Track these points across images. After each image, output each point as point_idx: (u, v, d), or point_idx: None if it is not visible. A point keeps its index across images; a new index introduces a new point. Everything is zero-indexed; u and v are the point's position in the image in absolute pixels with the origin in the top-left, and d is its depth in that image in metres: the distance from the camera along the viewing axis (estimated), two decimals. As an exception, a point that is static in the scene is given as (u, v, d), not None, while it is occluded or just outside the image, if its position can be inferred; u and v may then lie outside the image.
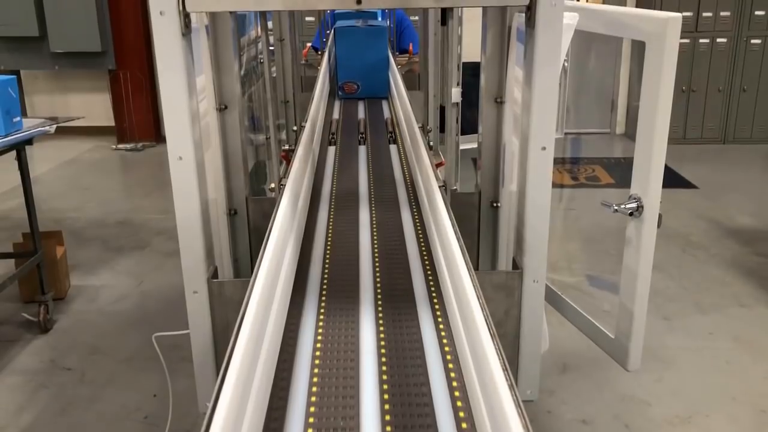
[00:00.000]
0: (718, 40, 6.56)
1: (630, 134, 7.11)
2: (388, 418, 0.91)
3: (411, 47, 4.33)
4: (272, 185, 1.86)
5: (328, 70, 3.45)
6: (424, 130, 2.69)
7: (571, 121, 7.01)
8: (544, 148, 1.38)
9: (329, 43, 3.63)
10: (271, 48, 2.86)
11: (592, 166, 6.18)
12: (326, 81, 3.28)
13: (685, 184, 5.66)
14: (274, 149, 1.87)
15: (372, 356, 1.07)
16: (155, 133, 7.33)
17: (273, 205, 1.44)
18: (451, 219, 1.26)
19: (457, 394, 0.93)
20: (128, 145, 7.23)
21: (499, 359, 0.80)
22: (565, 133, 6.77)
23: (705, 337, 3.30)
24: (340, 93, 3.27)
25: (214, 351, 1.54)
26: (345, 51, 3.18)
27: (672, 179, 5.63)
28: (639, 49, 6.18)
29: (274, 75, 2.78)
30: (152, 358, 2.73)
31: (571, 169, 6.11)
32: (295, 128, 2.78)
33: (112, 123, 7.35)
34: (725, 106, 6.79)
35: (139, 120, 7.26)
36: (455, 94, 2.32)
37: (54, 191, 5.74)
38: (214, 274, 1.51)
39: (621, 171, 6.03)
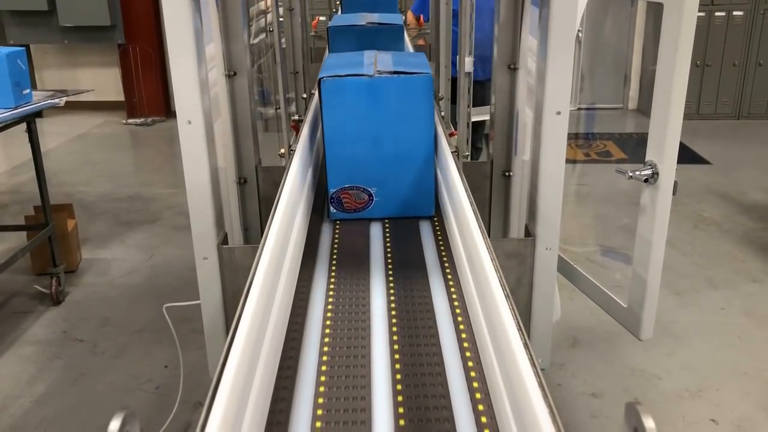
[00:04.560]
0: (735, 13, 6.45)
1: (643, 109, 7.04)
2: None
3: (422, 17, 4.27)
4: (282, 150, 1.85)
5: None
6: (436, 98, 2.66)
7: (583, 96, 6.93)
8: (558, 113, 1.36)
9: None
10: (280, 19, 2.83)
11: (603, 142, 6.12)
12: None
13: (698, 159, 5.60)
14: (284, 117, 1.85)
15: (382, 320, 1.06)
16: (165, 108, 7.32)
17: (282, 173, 1.42)
18: (463, 182, 1.25)
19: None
20: (138, 120, 7.23)
21: (514, 319, 0.79)
22: (578, 108, 6.71)
23: (717, 313, 3.28)
24: (332, 208, 1.44)
25: (225, 318, 1.54)
26: (342, 124, 1.38)
27: (685, 155, 5.58)
28: (653, 19, 6.08)
29: (284, 46, 2.76)
30: (163, 330, 2.76)
31: (583, 144, 6.06)
32: (305, 96, 2.75)
33: (121, 98, 7.34)
34: (740, 80, 6.69)
35: (148, 95, 7.25)
36: (468, 63, 2.26)
37: (64, 166, 5.75)
38: (224, 241, 1.50)
39: (633, 146, 5.97)
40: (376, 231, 1.39)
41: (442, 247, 1.27)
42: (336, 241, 1.35)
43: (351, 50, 1.73)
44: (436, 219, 1.42)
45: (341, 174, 1.40)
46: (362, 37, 1.98)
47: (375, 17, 2.07)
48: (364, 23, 2.00)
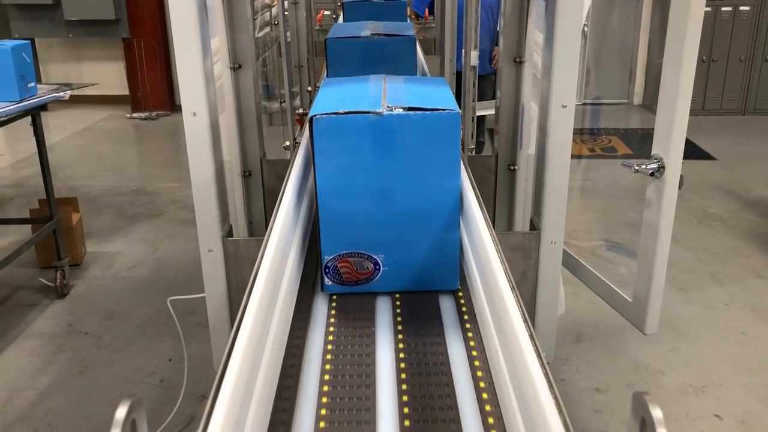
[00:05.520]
0: (741, 8, 6.42)
1: (648, 104, 7.01)
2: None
3: (426, 12, 4.27)
4: (287, 143, 1.85)
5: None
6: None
7: (588, 90, 6.92)
8: (564, 106, 1.36)
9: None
10: (285, 13, 2.83)
11: (608, 137, 6.11)
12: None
13: (704, 155, 5.58)
14: (288, 110, 1.85)
15: (387, 313, 1.06)
16: (169, 102, 7.33)
17: (287, 166, 1.42)
18: (468, 175, 1.24)
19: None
20: (142, 114, 7.23)
21: (519, 310, 0.79)
22: (583, 103, 6.69)
23: (721, 308, 3.27)
24: (327, 279, 1.13)
25: (229, 311, 1.54)
26: (341, 175, 1.07)
27: (690, 150, 5.56)
28: (659, 13, 6.03)
29: (289, 40, 2.75)
30: (167, 324, 2.76)
31: (588, 139, 6.04)
32: (309, 89, 2.75)
33: (126, 92, 7.35)
34: (746, 76, 6.66)
35: (153, 89, 7.25)
36: (473, 57, 2.26)
37: (69, 160, 5.76)
38: (229, 233, 1.50)
39: (639, 142, 5.95)
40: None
41: (469, 330, 1.01)
42: (332, 320, 1.05)
43: (353, 67, 1.60)
44: (461, 293, 1.10)
45: (339, 237, 1.09)
46: (366, 51, 1.70)
47: (381, 27, 1.81)
48: (368, 34, 1.71)
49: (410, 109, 1.02)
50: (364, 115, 1.01)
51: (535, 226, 1.51)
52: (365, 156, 1.03)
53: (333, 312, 1.06)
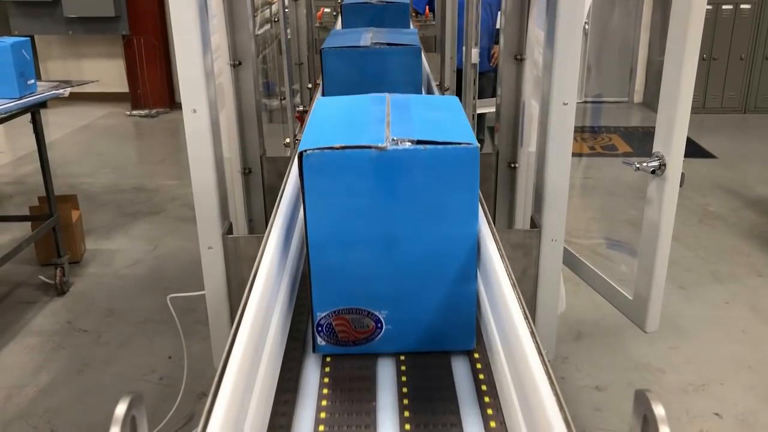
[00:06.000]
0: (742, 6, 6.41)
1: (648, 102, 7.01)
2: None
3: (427, 9, 4.26)
4: (287, 140, 1.85)
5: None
6: (442, 89, 2.65)
7: (589, 88, 6.91)
8: (565, 104, 1.36)
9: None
10: (285, 10, 2.83)
11: (609, 135, 6.10)
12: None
13: (704, 153, 5.58)
14: (289, 107, 1.85)
15: (390, 382, 1.04)
16: (169, 100, 7.32)
17: (287, 164, 1.42)
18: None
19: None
20: (142, 112, 7.23)
21: (520, 308, 0.78)
22: (584, 101, 6.69)
23: (721, 307, 3.27)
24: (319, 339, 0.96)
25: (229, 308, 1.54)
26: (336, 220, 0.89)
27: (691, 149, 5.54)
28: (660, 11, 6.01)
29: (289, 37, 2.75)
30: (167, 321, 2.76)
31: (589, 137, 6.04)
32: (309, 86, 2.75)
33: (126, 89, 7.35)
34: (747, 74, 6.66)
35: (153, 86, 7.24)
36: (474, 54, 2.26)
37: (68, 157, 5.75)
38: (229, 230, 1.50)
39: (639, 140, 5.95)
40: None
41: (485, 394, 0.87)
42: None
43: (352, 81, 1.46)
44: (476, 354, 0.94)
45: (334, 291, 0.93)
46: (367, 62, 1.53)
47: (383, 34, 1.65)
48: (369, 44, 1.55)
49: (419, 142, 0.85)
50: (364, 151, 0.84)
51: (535, 224, 1.51)
52: (366, 198, 0.87)
53: (326, 380, 0.90)
